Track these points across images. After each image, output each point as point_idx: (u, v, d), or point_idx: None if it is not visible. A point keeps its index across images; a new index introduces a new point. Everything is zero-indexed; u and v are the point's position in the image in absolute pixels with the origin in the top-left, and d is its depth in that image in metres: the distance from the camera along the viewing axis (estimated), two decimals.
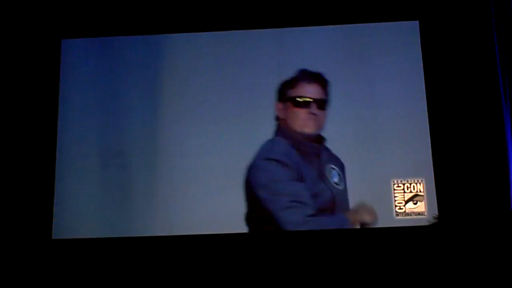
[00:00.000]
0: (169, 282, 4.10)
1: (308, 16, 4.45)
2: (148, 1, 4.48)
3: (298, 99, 4.29)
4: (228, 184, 4.23)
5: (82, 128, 4.39)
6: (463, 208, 4.08)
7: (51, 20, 4.48)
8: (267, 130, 4.30)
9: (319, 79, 4.33)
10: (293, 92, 4.30)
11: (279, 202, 4.16)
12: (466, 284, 3.82)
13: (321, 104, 4.29)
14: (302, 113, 4.27)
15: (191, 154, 4.30)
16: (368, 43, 4.40)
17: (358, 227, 4.18)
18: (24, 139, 4.33)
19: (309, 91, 4.30)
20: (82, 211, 4.26)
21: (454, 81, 4.27)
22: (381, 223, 4.16)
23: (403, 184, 4.20)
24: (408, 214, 4.17)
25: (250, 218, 4.20)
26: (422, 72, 4.33)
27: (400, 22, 4.43)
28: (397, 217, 4.17)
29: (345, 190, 4.22)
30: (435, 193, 4.17)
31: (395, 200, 4.19)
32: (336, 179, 4.22)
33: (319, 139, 4.28)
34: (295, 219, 4.14)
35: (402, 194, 4.19)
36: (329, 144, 4.28)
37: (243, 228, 4.19)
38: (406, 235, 4.10)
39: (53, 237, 4.23)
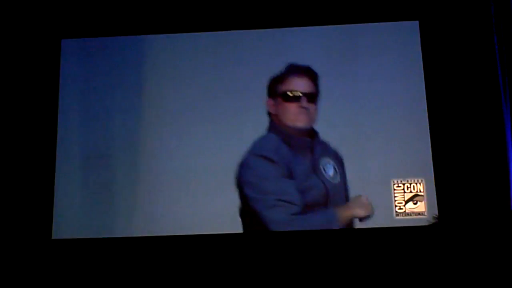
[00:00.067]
0: (169, 282, 4.10)
1: (308, 16, 4.45)
2: (146, 2, 4.49)
3: (287, 93, 4.28)
4: (219, 184, 4.22)
5: (82, 128, 4.39)
6: (463, 208, 4.08)
7: (51, 20, 4.48)
8: (260, 128, 4.29)
9: (308, 73, 4.33)
10: (282, 87, 4.30)
11: (264, 200, 4.15)
12: (466, 284, 3.82)
13: (312, 97, 4.29)
14: (292, 107, 4.26)
15: (189, 154, 4.30)
16: (368, 43, 4.40)
17: (349, 222, 4.15)
18: (24, 139, 4.33)
19: (298, 85, 4.29)
20: (82, 211, 4.26)
21: (454, 81, 4.27)
22: (381, 223, 4.16)
23: (403, 184, 4.20)
24: (408, 214, 4.17)
25: (242, 217, 4.20)
26: (422, 72, 4.32)
27: (400, 22, 4.43)
28: (397, 217, 4.17)
29: (341, 183, 4.21)
30: (435, 193, 4.17)
31: (395, 200, 4.19)
32: (331, 173, 4.21)
33: (312, 133, 4.28)
34: (280, 218, 4.13)
35: (402, 194, 4.19)
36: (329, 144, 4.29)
37: (232, 228, 4.18)
38: (406, 235, 4.09)
39: (53, 237, 4.23)
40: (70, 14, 4.49)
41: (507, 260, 3.76)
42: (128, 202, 4.26)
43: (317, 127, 4.29)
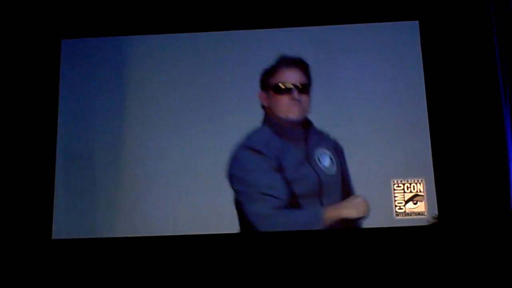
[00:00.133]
0: (168, 282, 4.10)
1: (308, 16, 4.45)
2: (146, 2, 4.49)
3: (279, 86, 4.28)
4: (214, 183, 4.23)
5: (81, 128, 4.39)
6: (463, 208, 4.08)
7: (51, 20, 4.48)
8: (256, 123, 4.29)
9: (298, 64, 4.34)
10: (273, 80, 4.30)
11: (248, 193, 4.16)
12: (466, 284, 3.82)
13: (303, 88, 4.28)
14: (284, 99, 4.26)
15: (187, 153, 4.31)
16: (368, 43, 4.40)
17: (337, 222, 4.13)
18: (24, 139, 4.33)
19: (289, 77, 4.29)
20: (82, 211, 4.26)
21: (454, 81, 4.27)
22: (381, 223, 4.16)
23: (403, 184, 4.20)
24: (408, 214, 4.17)
25: (237, 210, 4.21)
26: (422, 72, 4.32)
27: (400, 22, 4.43)
28: (397, 217, 4.17)
29: (338, 174, 4.20)
30: (435, 193, 4.17)
31: (395, 200, 4.19)
32: (326, 164, 4.20)
33: (306, 124, 4.27)
34: (261, 211, 4.13)
35: (402, 194, 4.19)
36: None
37: (227, 228, 4.18)
38: (406, 235, 4.09)
39: (53, 237, 4.23)
40: (70, 14, 4.49)
41: (507, 260, 3.76)
42: (128, 202, 4.26)
43: (317, 126, 4.29)
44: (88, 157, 4.34)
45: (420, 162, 4.21)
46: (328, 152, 4.23)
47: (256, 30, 4.47)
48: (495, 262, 3.79)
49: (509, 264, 3.78)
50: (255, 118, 4.30)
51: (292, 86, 4.27)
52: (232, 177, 4.21)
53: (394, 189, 4.20)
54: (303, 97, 4.27)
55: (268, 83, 4.31)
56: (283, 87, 4.27)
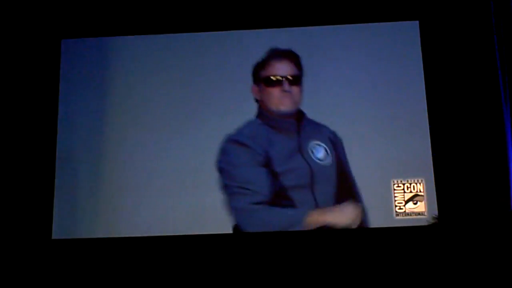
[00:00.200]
0: (169, 282, 4.10)
1: (308, 16, 4.44)
2: (145, 2, 4.49)
3: (270, 78, 4.29)
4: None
5: (81, 128, 4.39)
6: (463, 208, 4.08)
7: (51, 20, 4.48)
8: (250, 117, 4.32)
9: (289, 55, 4.34)
10: (264, 73, 4.31)
11: (230, 187, 4.18)
12: (466, 284, 3.82)
13: (294, 80, 4.29)
14: (275, 92, 4.27)
15: (186, 151, 4.32)
16: (368, 43, 4.40)
17: (319, 227, 4.13)
18: (24, 139, 4.33)
19: (279, 69, 4.30)
20: (82, 211, 4.26)
21: (454, 81, 4.27)
22: (381, 223, 4.16)
23: (403, 184, 4.20)
24: (408, 214, 4.17)
25: None
26: (422, 72, 4.32)
27: (400, 22, 4.43)
28: (397, 217, 4.17)
29: (333, 166, 4.19)
30: (435, 193, 4.17)
31: (395, 200, 4.19)
32: (320, 155, 4.20)
33: (298, 115, 4.27)
34: (240, 205, 4.15)
35: (402, 194, 4.19)
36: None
37: (219, 228, 4.19)
38: (406, 235, 4.09)
39: (53, 237, 4.23)
40: (70, 14, 4.49)
41: (507, 260, 3.76)
42: (128, 202, 4.26)
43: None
44: (88, 157, 4.34)
45: (420, 162, 4.21)
46: (322, 144, 4.23)
47: (257, 30, 4.47)
48: (495, 262, 3.79)
49: (509, 264, 3.78)
50: (251, 113, 4.31)
51: (282, 78, 4.27)
52: (220, 171, 4.23)
53: (394, 189, 4.19)
54: (294, 89, 4.28)
55: (260, 76, 4.31)
56: (273, 79, 4.28)
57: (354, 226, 4.13)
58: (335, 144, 4.25)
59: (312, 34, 4.44)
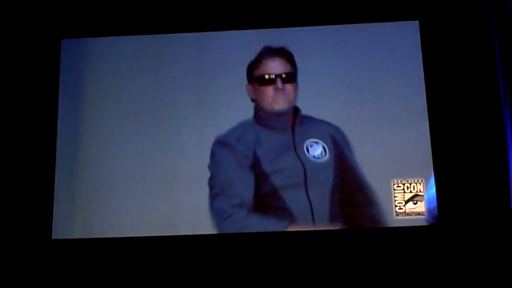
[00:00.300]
0: (169, 282, 4.10)
1: (308, 16, 4.44)
2: (145, 2, 4.49)
3: (263, 77, 4.28)
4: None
5: (81, 128, 4.38)
6: (463, 208, 4.08)
7: (51, 20, 4.48)
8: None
9: (281, 53, 4.33)
10: (257, 72, 4.30)
11: (212, 188, 4.17)
12: (466, 284, 3.82)
13: (288, 78, 4.28)
14: (268, 90, 4.26)
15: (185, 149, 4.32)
16: (368, 43, 4.40)
17: None
18: (24, 139, 4.33)
19: (272, 67, 4.29)
20: (82, 211, 4.26)
21: (454, 81, 4.27)
22: (381, 223, 4.16)
23: (403, 184, 4.20)
24: (408, 214, 4.17)
25: None
26: (422, 72, 4.32)
27: (400, 22, 4.43)
28: (397, 217, 4.17)
29: (331, 164, 4.16)
30: (435, 193, 4.17)
31: (395, 200, 4.19)
32: (316, 153, 4.17)
33: (293, 113, 4.26)
34: (219, 208, 4.14)
35: (402, 194, 4.19)
36: None
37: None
38: (406, 235, 4.09)
39: (53, 237, 4.23)
40: (70, 14, 4.49)
41: (507, 260, 3.76)
42: (129, 201, 4.26)
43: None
44: (88, 157, 4.34)
45: (420, 162, 4.21)
46: (320, 141, 4.22)
47: (256, 30, 4.47)
48: (495, 262, 3.79)
49: (509, 264, 3.78)
50: (247, 113, 4.31)
51: (275, 77, 4.26)
52: (209, 171, 4.22)
53: (394, 189, 4.19)
54: (288, 87, 4.27)
55: (253, 75, 4.31)
56: (267, 78, 4.27)
57: None
58: (336, 141, 4.23)
59: (312, 34, 4.44)
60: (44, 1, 4.47)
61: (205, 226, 4.16)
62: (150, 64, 4.45)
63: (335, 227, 4.13)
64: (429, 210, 4.13)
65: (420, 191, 4.18)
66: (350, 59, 4.39)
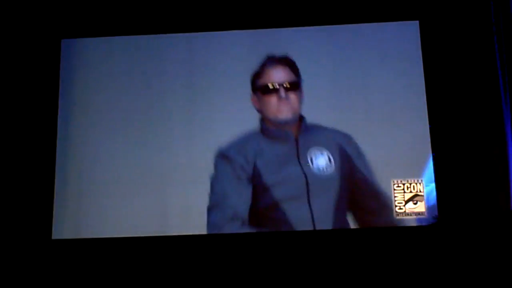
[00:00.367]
0: (169, 282, 4.10)
1: (308, 16, 4.44)
2: (145, 2, 4.49)
3: (266, 86, 4.26)
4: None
5: (81, 128, 4.38)
6: (463, 208, 4.08)
7: (51, 20, 4.48)
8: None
9: (284, 62, 4.31)
10: (261, 81, 4.29)
11: (209, 200, 4.15)
12: (466, 284, 3.81)
13: (291, 86, 4.26)
14: (272, 100, 4.24)
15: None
16: (368, 43, 4.40)
17: None
18: (24, 139, 4.33)
19: (274, 77, 4.27)
20: (82, 211, 4.26)
21: (454, 81, 4.27)
22: (381, 223, 4.16)
23: (403, 184, 4.20)
24: (408, 214, 4.17)
25: None
26: (422, 72, 4.32)
27: (400, 22, 4.43)
28: (397, 217, 4.17)
29: (336, 174, 4.13)
30: (435, 193, 4.17)
31: (395, 200, 4.18)
32: (321, 164, 4.14)
33: (299, 122, 4.23)
34: (213, 220, 4.13)
35: (402, 194, 4.19)
36: None
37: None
38: (406, 235, 4.09)
39: (53, 237, 4.23)
40: (70, 14, 4.49)
41: (507, 260, 3.75)
42: (129, 201, 4.26)
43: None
44: (88, 157, 4.34)
45: (420, 162, 4.21)
46: (325, 152, 4.20)
47: (256, 30, 4.47)
48: (495, 262, 3.79)
49: (509, 264, 3.78)
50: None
51: (279, 86, 4.24)
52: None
53: (394, 189, 4.19)
54: (292, 95, 4.24)
55: (257, 85, 4.29)
56: (270, 87, 4.25)
57: None
58: (344, 150, 4.20)
59: (312, 34, 4.43)
60: (44, 1, 4.46)
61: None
62: (149, 65, 4.45)
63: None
64: (429, 210, 4.13)
65: (420, 191, 4.18)
66: (350, 59, 4.38)
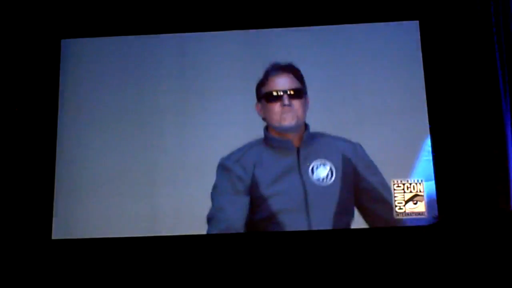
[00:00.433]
0: (170, 282, 4.10)
1: (308, 16, 4.44)
2: (145, 1, 4.49)
3: (269, 94, 4.24)
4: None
5: (81, 128, 4.38)
6: (463, 208, 4.08)
7: (51, 20, 4.48)
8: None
9: (287, 69, 4.28)
10: (265, 89, 4.26)
11: (210, 212, 4.14)
12: (466, 284, 3.81)
13: (295, 94, 4.23)
14: (275, 107, 4.20)
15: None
16: (368, 43, 4.39)
17: None
18: (24, 139, 4.33)
19: (278, 84, 4.25)
20: (82, 211, 4.26)
21: (454, 81, 4.27)
22: (381, 223, 4.15)
23: (403, 184, 4.19)
24: (408, 214, 4.17)
25: None
26: (422, 72, 4.32)
27: (400, 22, 4.43)
28: (397, 217, 4.17)
29: (336, 186, 4.10)
30: (435, 193, 4.17)
31: (395, 200, 4.18)
32: (322, 175, 4.11)
33: (302, 130, 4.20)
34: (211, 232, 4.11)
35: (402, 194, 4.19)
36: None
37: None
38: (406, 235, 4.09)
39: (53, 237, 4.23)
40: (70, 14, 4.49)
41: (507, 260, 3.75)
42: (130, 201, 4.26)
43: (317, 129, 4.26)
44: (88, 157, 4.34)
45: (420, 162, 4.21)
46: (328, 163, 4.16)
47: (256, 30, 4.47)
48: (495, 262, 3.78)
49: (509, 264, 3.78)
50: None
51: (281, 93, 4.22)
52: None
53: (394, 189, 4.19)
54: (296, 103, 4.21)
55: (261, 93, 4.27)
56: (274, 94, 4.23)
57: None
58: (348, 160, 4.16)
59: (311, 34, 4.43)
60: (44, 1, 4.46)
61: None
62: (149, 65, 4.45)
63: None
64: (429, 210, 4.13)
65: (420, 191, 4.18)
66: (350, 59, 4.38)
